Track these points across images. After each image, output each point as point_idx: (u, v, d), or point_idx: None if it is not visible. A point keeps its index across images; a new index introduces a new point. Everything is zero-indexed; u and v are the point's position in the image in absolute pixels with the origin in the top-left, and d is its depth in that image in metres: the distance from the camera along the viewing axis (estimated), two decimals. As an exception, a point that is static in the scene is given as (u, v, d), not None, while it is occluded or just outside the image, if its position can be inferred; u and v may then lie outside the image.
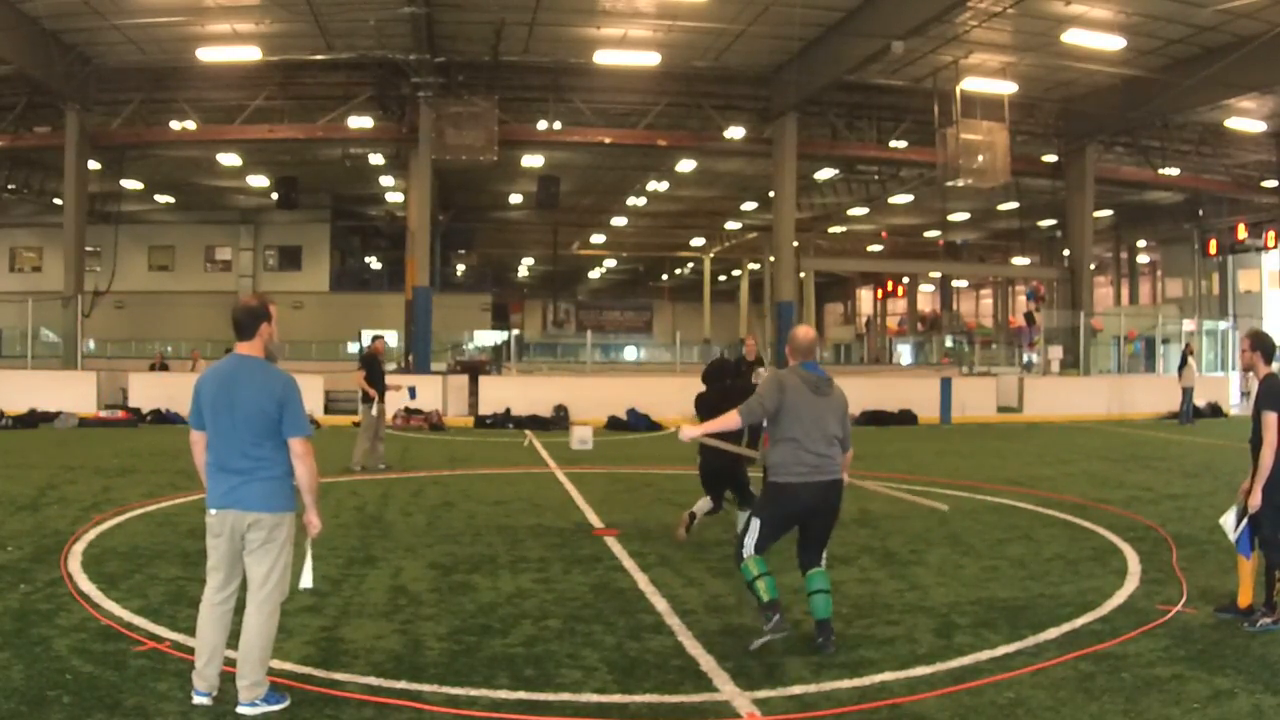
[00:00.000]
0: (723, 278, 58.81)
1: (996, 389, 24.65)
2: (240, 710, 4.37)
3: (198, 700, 4.43)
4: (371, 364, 13.50)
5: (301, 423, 4.53)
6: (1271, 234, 32.42)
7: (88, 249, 26.08)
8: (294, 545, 4.60)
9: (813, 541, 5.64)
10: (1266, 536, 5.87)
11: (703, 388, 8.18)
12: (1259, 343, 6.18)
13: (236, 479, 4.43)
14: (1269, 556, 5.87)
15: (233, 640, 4.52)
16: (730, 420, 5.58)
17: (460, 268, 48.39)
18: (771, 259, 28.36)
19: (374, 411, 13.14)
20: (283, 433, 4.47)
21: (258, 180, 33.24)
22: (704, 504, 8.23)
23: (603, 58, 22.65)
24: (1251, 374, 6.17)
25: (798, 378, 5.61)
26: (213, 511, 4.48)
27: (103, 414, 20.00)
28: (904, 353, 51.97)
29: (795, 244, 28.05)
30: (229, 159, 29.44)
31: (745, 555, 5.55)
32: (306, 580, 4.76)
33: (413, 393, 15.84)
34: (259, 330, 4.56)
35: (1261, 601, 5.84)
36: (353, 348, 37.54)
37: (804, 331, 5.88)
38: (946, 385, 23.14)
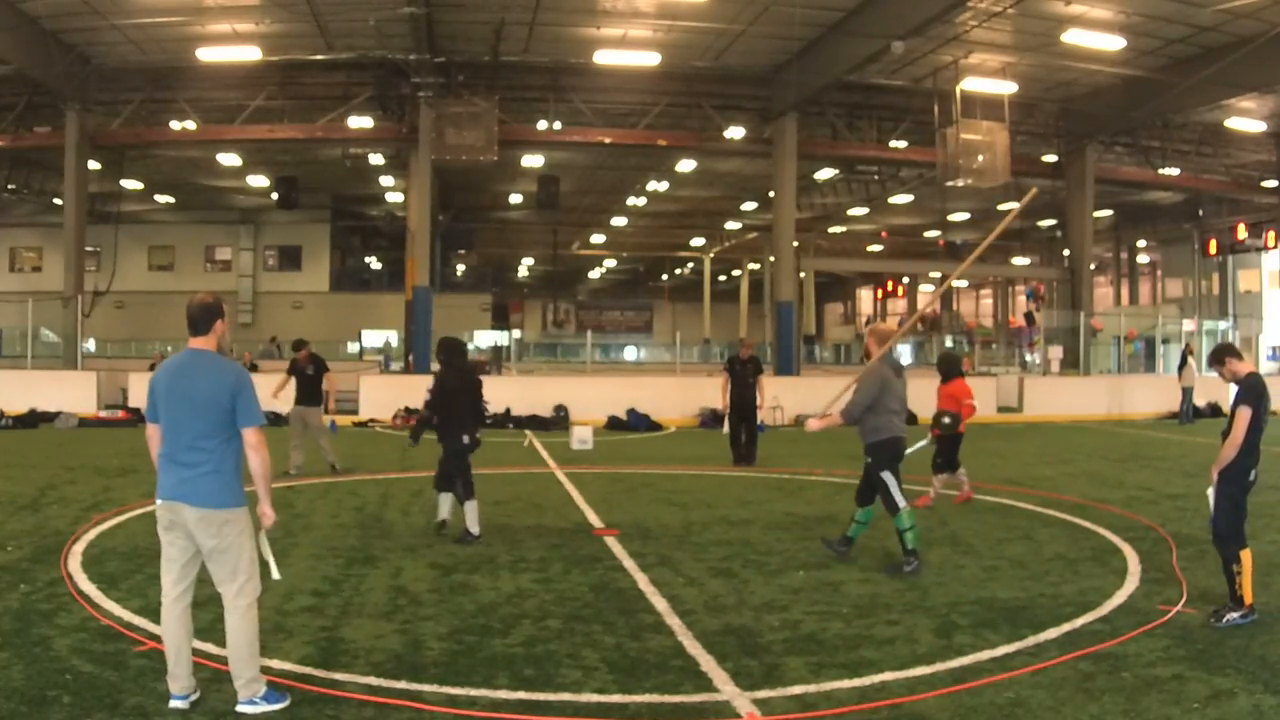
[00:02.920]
0: (723, 278, 58.84)
1: (996, 389, 24.63)
2: (240, 709, 4.37)
3: (174, 704, 4.40)
4: (291, 370, 13.00)
5: (255, 413, 4.53)
6: (1271, 234, 32.43)
7: (88, 249, 26.05)
8: (251, 539, 4.58)
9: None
10: (1221, 531, 5.95)
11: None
12: (1219, 356, 6.30)
13: (186, 472, 4.43)
14: (1222, 552, 5.96)
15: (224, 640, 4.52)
16: (835, 420, 7.61)
17: (460, 268, 48.40)
18: (771, 259, 28.36)
19: (288, 415, 12.82)
20: (237, 422, 4.48)
21: (258, 180, 33.24)
22: (446, 503, 8.73)
23: (603, 58, 22.64)
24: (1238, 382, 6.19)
25: (888, 368, 7.57)
26: (159, 502, 4.50)
27: (103, 414, 19.99)
28: (904, 353, 51.99)
29: (795, 244, 28.03)
30: (229, 159, 29.44)
31: (902, 506, 7.37)
32: (274, 573, 4.74)
33: (333, 425, 15.35)
34: (213, 326, 4.59)
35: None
36: (353, 348, 37.61)
37: (886, 327, 7.83)
38: (947, 385, 23.09)
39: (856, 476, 12.56)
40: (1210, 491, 6.08)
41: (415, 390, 21.30)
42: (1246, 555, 5.94)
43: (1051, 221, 36.03)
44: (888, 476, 7.41)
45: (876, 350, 7.62)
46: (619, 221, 44.09)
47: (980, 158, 23.88)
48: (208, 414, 4.44)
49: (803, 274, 34.80)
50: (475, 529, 8.36)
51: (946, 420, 10.13)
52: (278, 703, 4.43)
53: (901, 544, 7.36)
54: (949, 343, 47.97)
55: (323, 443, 12.79)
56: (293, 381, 12.82)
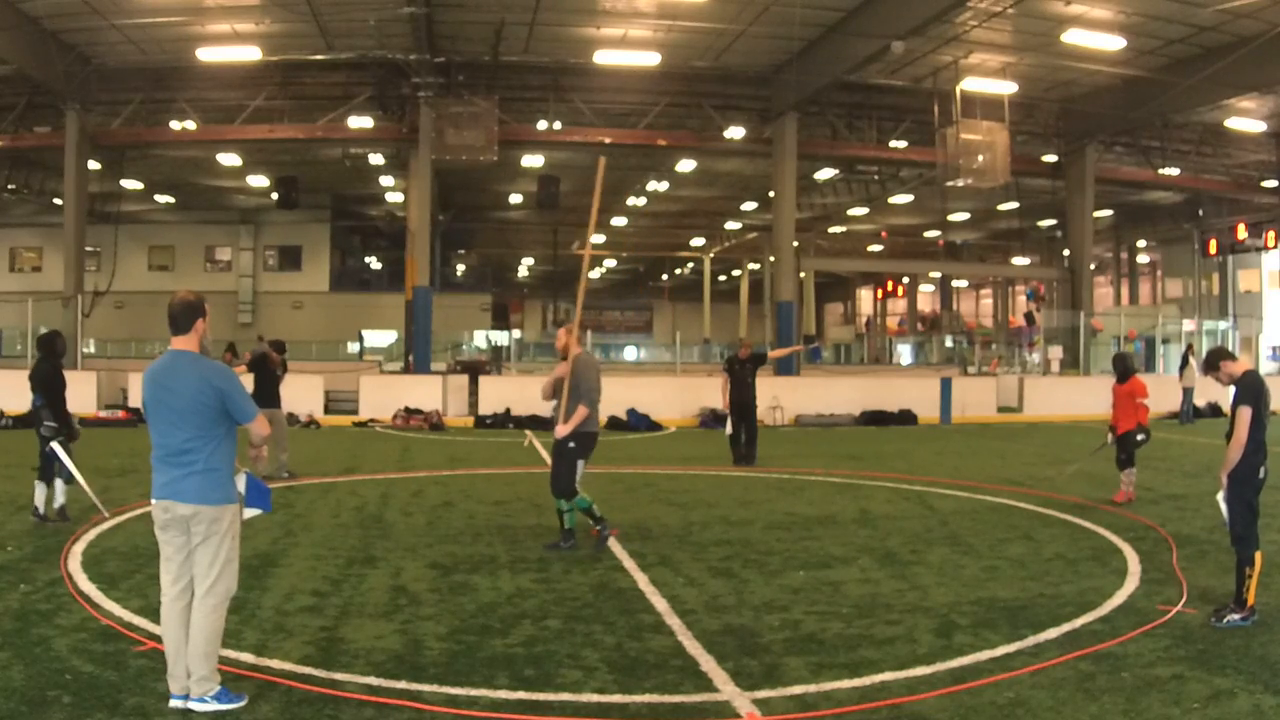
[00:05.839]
0: (723, 278, 58.81)
1: (996, 389, 24.66)
2: (191, 705, 4.38)
3: (174, 704, 4.41)
4: (259, 367, 12.51)
5: (248, 409, 4.60)
6: (1271, 234, 32.45)
7: (88, 249, 26.05)
8: (235, 540, 4.60)
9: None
10: (1238, 533, 5.95)
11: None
12: (1212, 361, 6.33)
13: (176, 471, 4.47)
14: (1238, 553, 5.95)
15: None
16: (584, 412, 7.86)
17: (460, 268, 48.39)
18: (771, 259, 28.36)
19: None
20: (236, 421, 4.58)
21: (258, 180, 33.24)
22: (59, 490, 9.00)
23: (603, 58, 22.65)
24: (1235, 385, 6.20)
25: (594, 359, 8.18)
26: (154, 502, 4.53)
27: (103, 414, 20.00)
28: (904, 353, 51.98)
29: (795, 244, 28.03)
30: (229, 159, 29.43)
31: (578, 488, 7.96)
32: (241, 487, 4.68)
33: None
34: (194, 325, 4.61)
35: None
36: (353, 347, 37.59)
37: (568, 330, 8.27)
38: (946, 385, 23.16)
39: (858, 477, 12.65)
40: (1221, 496, 6.07)
41: (415, 391, 21.49)
42: (1260, 558, 5.95)
43: (1051, 221, 36.04)
44: (581, 464, 7.95)
45: (576, 347, 8.14)
46: (619, 221, 44.07)
47: (980, 158, 23.88)
48: (195, 417, 4.47)
49: (803, 274, 34.80)
50: (39, 506, 8.81)
51: (1140, 438, 10.57)
52: (230, 702, 4.42)
53: (560, 523, 8.05)
54: (949, 343, 47.98)
55: (282, 443, 12.32)
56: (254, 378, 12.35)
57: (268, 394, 12.27)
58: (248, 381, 12.10)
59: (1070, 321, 28.10)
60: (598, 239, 49.20)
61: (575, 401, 7.89)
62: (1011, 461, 14.91)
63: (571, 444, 7.91)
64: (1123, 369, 10.89)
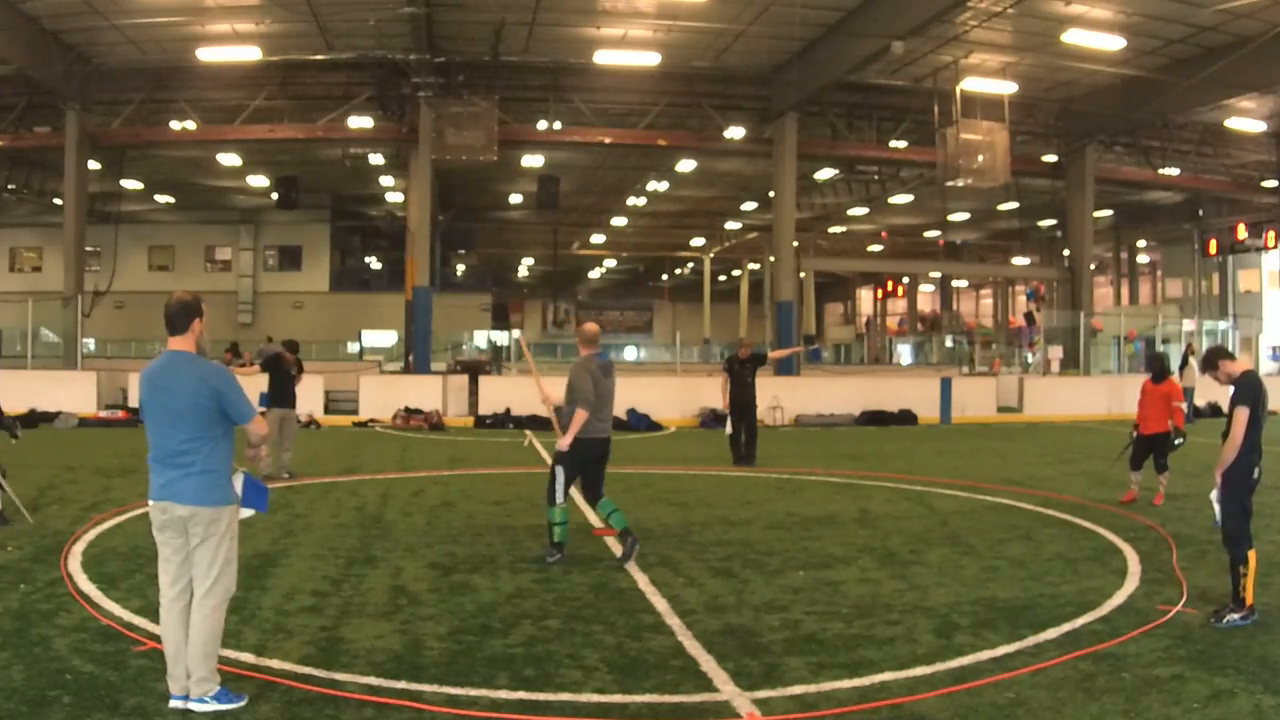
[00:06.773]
0: (723, 278, 58.83)
1: (996, 389, 24.66)
2: (191, 705, 4.38)
3: (174, 704, 4.42)
4: (270, 367, 12.44)
5: (246, 409, 4.57)
6: (1271, 234, 32.43)
7: (88, 249, 26.04)
8: (234, 540, 4.60)
9: (597, 480, 7.88)
10: (1230, 532, 5.97)
11: None
12: (1211, 361, 6.33)
13: (174, 472, 4.46)
14: (1231, 552, 5.97)
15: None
16: (582, 415, 7.50)
17: (460, 268, 48.37)
18: (771, 259, 28.36)
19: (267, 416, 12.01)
20: (234, 422, 4.55)
21: (258, 180, 33.23)
22: None
23: (603, 58, 22.65)
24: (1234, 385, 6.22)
25: (595, 365, 7.68)
26: (151, 503, 4.53)
27: (103, 414, 20.00)
28: (904, 353, 52.00)
29: (795, 244, 28.04)
30: (229, 159, 29.43)
31: (559, 501, 7.56)
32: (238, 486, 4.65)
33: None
34: (191, 325, 4.58)
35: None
36: (353, 347, 37.59)
37: (592, 328, 8.01)
38: (946, 385, 23.16)
39: (858, 477, 12.64)
40: (1214, 495, 6.08)
41: (415, 391, 21.48)
42: (1254, 556, 5.95)
43: (1051, 221, 36.04)
44: (560, 470, 7.58)
45: (585, 350, 7.87)
46: (619, 221, 44.08)
47: (980, 158, 23.87)
48: (192, 417, 4.46)
49: (803, 274, 34.80)
50: None
51: (1178, 441, 10.48)
52: (230, 702, 4.42)
53: (549, 536, 7.62)
54: (949, 343, 48.00)
55: (287, 444, 12.28)
56: (266, 377, 12.34)
57: (282, 394, 12.30)
58: (260, 382, 12.21)
59: (1070, 321, 28.10)
60: (598, 238, 49.44)
61: (570, 409, 7.62)
62: (1011, 461, 14.91)
63: (558, 448, 7.65)
64: (1160, 369, 10.71)
